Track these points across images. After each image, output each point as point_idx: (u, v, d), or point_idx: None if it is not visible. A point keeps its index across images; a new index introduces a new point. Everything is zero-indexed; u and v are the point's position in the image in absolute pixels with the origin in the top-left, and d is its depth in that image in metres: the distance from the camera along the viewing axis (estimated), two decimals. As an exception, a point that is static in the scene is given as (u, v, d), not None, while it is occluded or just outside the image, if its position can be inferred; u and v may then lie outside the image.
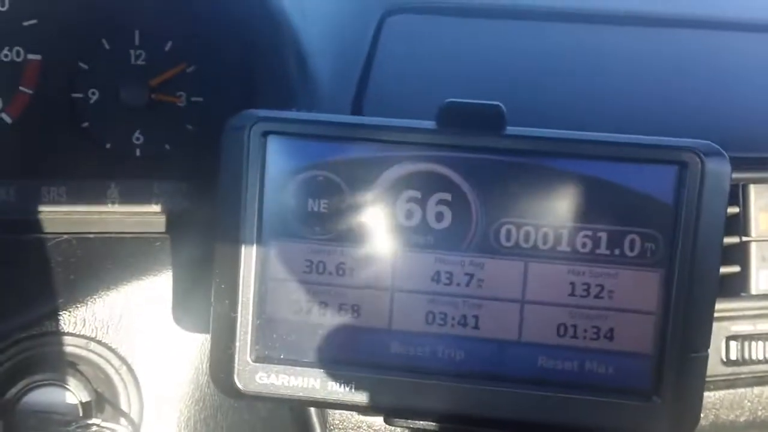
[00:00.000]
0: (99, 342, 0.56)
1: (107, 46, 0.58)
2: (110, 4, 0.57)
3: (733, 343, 0.59)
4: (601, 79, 0.63)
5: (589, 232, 0.43)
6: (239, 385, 0.44)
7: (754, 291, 0.59)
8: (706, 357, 0.43)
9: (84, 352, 0.56)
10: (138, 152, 0.59)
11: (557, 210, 0.43)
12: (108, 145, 0.58)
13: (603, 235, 0.43)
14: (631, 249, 0.43)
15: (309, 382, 0.44)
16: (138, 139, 0.59)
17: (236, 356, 0.44)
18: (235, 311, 0.43)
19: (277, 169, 0.44)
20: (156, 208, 0.58)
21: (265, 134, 0.43)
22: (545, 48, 0.65)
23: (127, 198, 0.58)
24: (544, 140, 0.42)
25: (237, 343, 0.44)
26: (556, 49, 0.65)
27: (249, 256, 0.43)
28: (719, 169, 0.42)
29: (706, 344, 0.43)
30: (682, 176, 0.42)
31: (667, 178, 0.42)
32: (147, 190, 0.58)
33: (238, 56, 0.58)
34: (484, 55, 0.64)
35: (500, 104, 0.42)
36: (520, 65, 0.63)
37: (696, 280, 0.42)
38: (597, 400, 0.43)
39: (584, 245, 0.43)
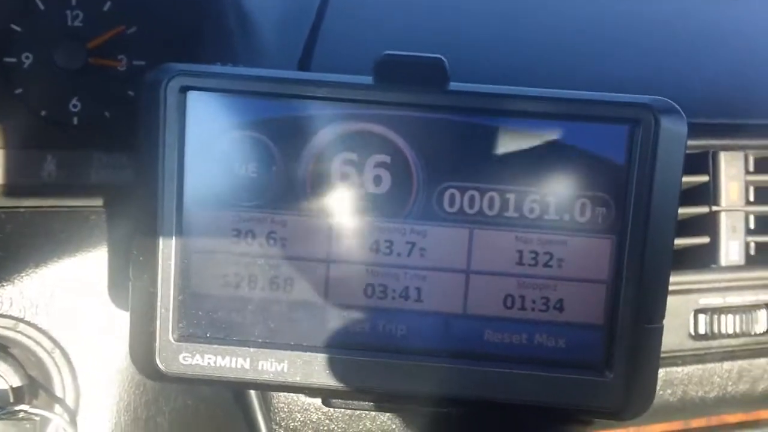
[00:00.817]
0: (28, 323, 0.52)
1: (41, 7, 0.54)
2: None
3: (701, 317, 0.58)
4: (559, 35, 0.60)
5: (537, 197, 0.40)
6: (161, 367, 0.41)
7: (723, 263, 0.58)
8: (661, 329, 0.41)
9: (12, 334, 0.52)
10: (75, 120, 0.55)
11: (503, 173, 0.40)
12: (43, 113, 0.55)
13: (551, 200, 0.40)
14: (582, 214, 0.40)
15: (238, 362, 0.41)
16: (75, 106, 0.55)
17: (157, 335, 0.40)
18: (155, 286, 0.40)
19: (198, 129, 0.40)
20: (95, 180, 0.55)
21: (184, 90, 0.40)
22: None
23: (64, 170, 0.55)
24: (489, 97, 0.39)
25: (158, 321, 0.40)
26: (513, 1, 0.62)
27: (169, 225, 0.40)
28: (675, 128, 0.39)
29: (661, 315, 0.40)
30: (634, 135, 0.39)
31: (618, 138, 0.39)
32: (85, 161, 0.55)
33: (180, 16, 0.55)
34: (437, 7, 0.60)
35: (442, 57, 0.39)
36: (474, 15, 0.60)
37: (650, 247, 0.39)
38: (547, 376, 0.41)
39: (532, 210, 0.40)
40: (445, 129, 0.40)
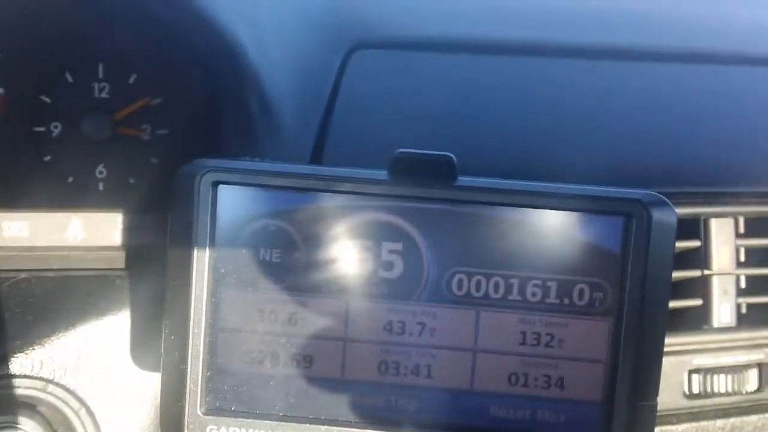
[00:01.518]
0: (57, 384, 0.55)
1: (70, 80, 0.58)
2: (74, 37, 0.57)
3: (695, 377, 0.60)
4: (564, 113, 0.64)
5: (539, 282, 0.43)
6: None
7: (716, 324, 0.60)
8: (655, 405, 0.43)
9: (42, 395, 0.55)
10: (101, 186, 0.59)
11: (507, 259, 0.43)
12: (70, 179, 0.58)
13: (552, 285, 0.43)
14: (580, 298, 0.43)
15: None
16: (101, 172, 0.59)
17: (186, 409, 0.43)
18: (185, 363, 0.43)
19: (228, 218, 0.44)
20: (119, 242, 0.58)
21: (216, 184, 0.43)
22: (509, 82, 0.66)
23: (90, 233, 0.58)
24: (494, 191, 0.43)
25: (187, 396, 0.43)
26: (520, 83, 0.66)
27: (199, 305, 0.43)
28: (665, 219, 0.42)
29: (655, 392, 0.43)
30: (628, 227, 0.42)
31: (613, 229, 0.43)
32: (110, 224, 0.58)
33: (201, 90, 0.58)
34: (446, 93, 0.64)
35: (451, 155, 0.43)
36: (483, 102, 0.63)
37: (644, 329, 0.42)
38: None
39: (534, 294, 0.43)
40: (453, 219, 0.43)
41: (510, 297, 0.43)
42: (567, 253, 0.43)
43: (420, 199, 0.43)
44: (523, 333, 0.43)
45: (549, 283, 0.43)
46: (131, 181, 0.59)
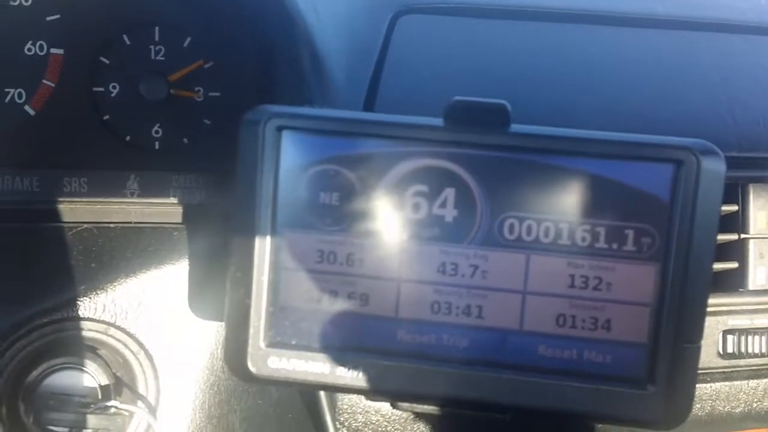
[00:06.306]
0: (118, 327, 0.58)
1: (128, 42, 0.60)
2: (131, 1, 0.59)
3: (730, 337, 0.61)
4: (606, 78, 0.65)
5: (588, 227, 0.45)
6: (252, 369, 0.46)
7: (751, 286, 0.61)
8: (699, 348, 0.45)
9: (103, 337, 0.58)
10: (157, 145, 0.61)
11: (558, 205, 0.45)
12: (128, 138, 0.60)
13: (601, 230, 0.45)
14: (628, 243, 0.45)
15: (319, 366, 0.46)
16: (157, 132, 0.61)
17: (249, 342, 0.46)
18: (249, 298, 0.45)
19: (290, 162, 0.46)
20: (174, 199, 0.60)
21: (280, 129, 0.45)
22: (552, 47, 0.67)
23: (146, 190, 0.60)
24: (546, 138, 0.44)
25: (251, 329, 0.46)
26: (563, 48, 0.67)
27: (263, 245, 0.45)
28: (714, 168, 0.43)
29: (699, 335, 0.45)
30: (678, 174, 0.44)
31: (663, 176, 0.44)
32: (165, 182, 0.60)
33: (254, 52, 0.60)
34: (491, 55, 0.65)
35: (505, 102, 0.44)
36: (527, 64, 0.65)
37: (690, 274, 0.44)
38: (594, 388, 0.45)
39: (583, 239, 0.45)
40: (506, 166, 0.45)
41: (559, 241, 0.45)
42: (616, 199, 0.44)
43: (474, 145, 0.45)
44: (572, 276, 0.45)
45: (598, 229, 0.45)
46: (185, 141, 0.61)
